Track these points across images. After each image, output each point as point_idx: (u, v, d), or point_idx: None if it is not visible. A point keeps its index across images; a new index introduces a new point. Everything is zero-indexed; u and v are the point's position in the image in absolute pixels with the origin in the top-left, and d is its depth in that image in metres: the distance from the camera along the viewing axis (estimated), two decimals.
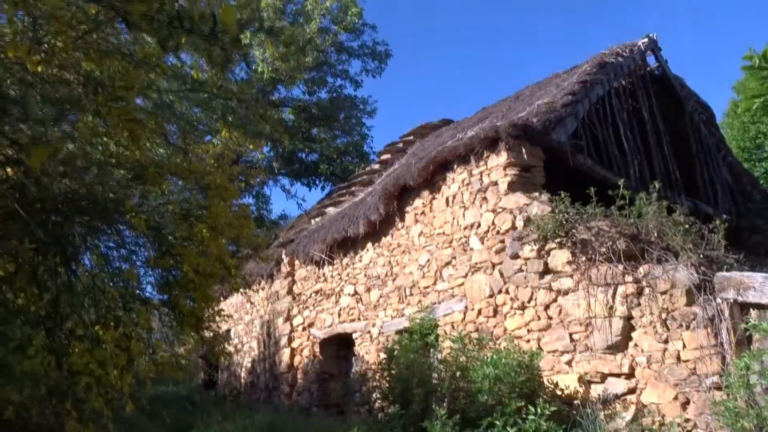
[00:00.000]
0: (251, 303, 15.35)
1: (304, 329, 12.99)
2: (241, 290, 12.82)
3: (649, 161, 11.96)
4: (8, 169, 4.00)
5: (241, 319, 16.12)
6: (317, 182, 23.59)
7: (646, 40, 12.66)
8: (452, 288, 9.30)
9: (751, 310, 5.88)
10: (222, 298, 15.49)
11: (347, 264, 12.00)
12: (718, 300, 6.02)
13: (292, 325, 13.37)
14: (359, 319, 11.36)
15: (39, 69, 3.01)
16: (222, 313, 6.83)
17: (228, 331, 16.06)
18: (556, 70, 13.57)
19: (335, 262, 12.31)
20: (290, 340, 13.32)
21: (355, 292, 11.62)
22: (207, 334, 5.88)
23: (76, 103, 3.54)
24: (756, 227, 13.42)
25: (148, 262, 5.20)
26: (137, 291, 5.28)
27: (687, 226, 7.09)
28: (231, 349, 15.32)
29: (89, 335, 4.46)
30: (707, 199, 13.30)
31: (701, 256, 6.72)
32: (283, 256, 13.89)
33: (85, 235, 4.86)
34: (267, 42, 18.57)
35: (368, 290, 11.27)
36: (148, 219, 4.66)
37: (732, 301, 5.94)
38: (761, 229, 13.35)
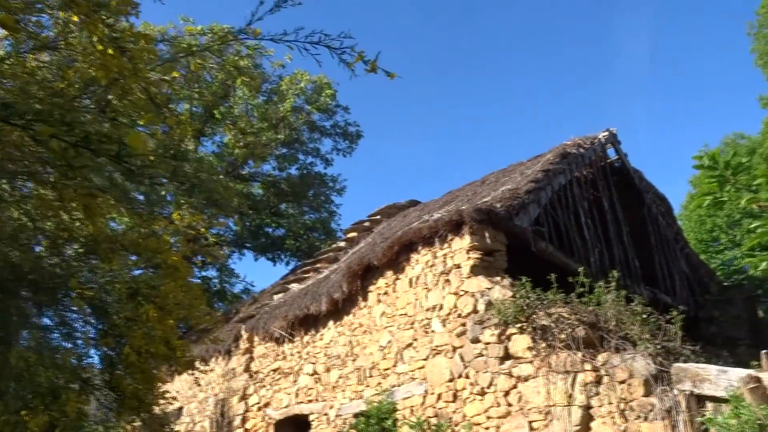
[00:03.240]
0: (198, 385, 14.74)
1: (259, 409, 12.54)
2: (188, 371, 12.39)
3: (609, 250, 12.21)
4: None
5: (195, 396, 15.50)
6: (282, 257, 23.47)
7: (607, 133, 13.20)
8: (412, 371, 9.15)
9: (707, 402, 5.89)
10: (177, 374, 14.93)
11: (308, 342, 11.77)
12: (675, 391, 6.02)
13: (247, 404, 12.90)
14: (317, 400, 11.04)
15: None
16: (167, 394, 6.56)
17: (180, 409, 15.39)
18: (520, 157, 14.04)
19: (296, 339, 12.07)
20: (244, 420, 12.81)
21: (314, 372, 11.34)
22: (149, 415, 5.63)
23: (32, 176, 3.52)
24: (713, 318, 13.64)
25: (89, 341, 5.03)
26: (77, 371, 5.07)
27: (645, 316, 7.18)
28: (180, 429, 14.63)
29: (13, 421, 4.22)
30: (666, 290, 13.54)
31: (659, 346, 6.78)
32: (243, 332, 13.57)
33: (25, 311, 4.69)
34: (240, 119, 18.91)
35: (328, 370, 11.01)
36: (94, 297, 4.53)
37: (688, 392, 5.94)
38: (718, 321, 13.57)
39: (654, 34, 52.56)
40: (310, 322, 11.78)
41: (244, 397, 13.00)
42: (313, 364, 11.44)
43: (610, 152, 13.50)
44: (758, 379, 5.06)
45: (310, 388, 11.33)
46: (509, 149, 61.23)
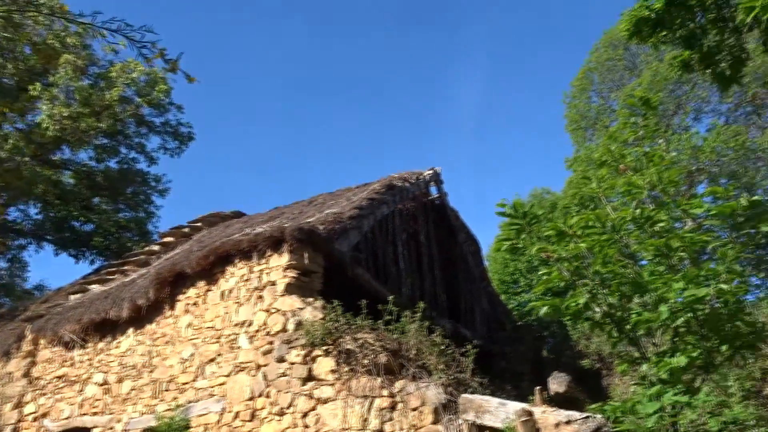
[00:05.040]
0: None
1: (35, 419, 11.32)
2: None
3: (421, 282, 12.83)
4: None
5: None
6: (87, 255, 21.62)
7: (431, 171, 13.97)
8: (212, 387, 8.83)
9: None
10: None
11: (102, 349, 10.90)
12: (460, 421, 6.41)
13: (21, 413, 11.59)
14: (104, 412, 10.22)
15: None
16: None
17: None
18: (352, 182, 14.34)
19: (88, 345, 11.11)
20: (16, 431, 11.48)
21: (105, 382, 10.51)
22: None
23: None
24: (504, 354, 14.83)
25: None
26: None
27: (443, 347, 7.59)
28: None
29: None
30: (467, 324, 14.48)
31: (451, 376, 7.20)
32: (27, 332, 12.23)
33: None
34: (60, 99, 17.28)
35: (120, 381, 10.27)
36: None
37: (471, 422, 6.35)
38: (509, 356, 14.77)
39: (484, 90, 56.96)
40: (107, 328, 10.93)
41: (19, 405, 11.66)
42: (105, 373, 10.60)
43: (433, 189, 14.29)
44: (530, 413, 5.55)
45: (97, 399, 10.46)
46: (343, 174, 62.41)
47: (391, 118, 62.67)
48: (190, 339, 9.56)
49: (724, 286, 4.25)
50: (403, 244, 12.33)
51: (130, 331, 10.60)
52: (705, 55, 8.75)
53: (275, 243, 9.03)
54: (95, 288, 13.19)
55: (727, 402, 9.26)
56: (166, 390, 9.46)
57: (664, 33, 8.70)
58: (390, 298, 7.94)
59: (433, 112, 62.58)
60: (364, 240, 10.86)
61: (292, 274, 8.75)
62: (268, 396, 8.06)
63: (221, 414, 8.47)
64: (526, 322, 17.40)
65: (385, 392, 7.02)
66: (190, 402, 8.96)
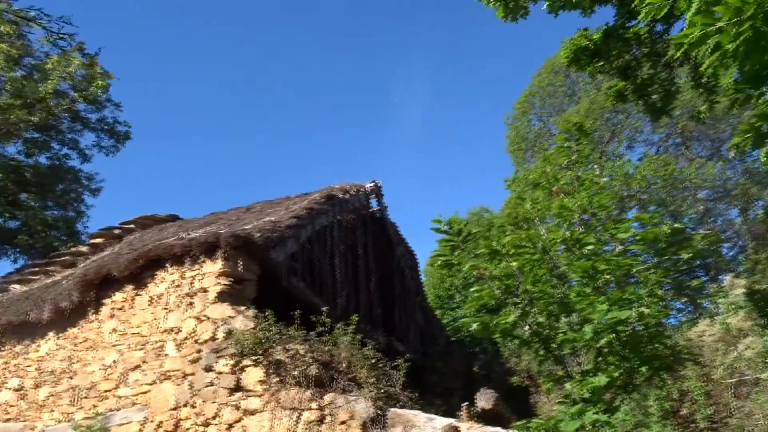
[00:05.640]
0: None
1: None
2: None
3: (357, 294, 12.80)
4: None
5: None
6: (10, 253, 20.58)
7: (372, 184, 14.00)
8: (135, 395, 8.53)
9: None
10: None
11: (19, 353, 10.38)
12: None
13: None
14: (17, 419, 9.70)
15: None
16: None
17: None
18: (292, 191, 14.21)
19: (4, 348, 10.56)
20: None
21: (21, 387, 10.00)
22: None
23: None
24: (436, 369, 14.93)
25: None
26: None
27: (375, 360, 7.57)
28: None
29: None
30: (401, 338, 14.52)
31: (382, 390, 7.18)
32: None
33: None
34: None
35: (37, 386, 9.79)
36: None
37: None
38: (440, 371, 14.88)
39: (429, 106, 57.76)
40: (26, 331, 10.42)
41: None
42: (22, 378, 10.09)
43: (373, 202, 14.33)
44: (456, 429, 5.60)
45: (11, 406, 9.94)
46: (284, 183, 61.90)
47: (335, 129, 62.73)
48: (114, 345, 9.22)
49: (645, 310, 4.39)
50: (340, 256, 12.28)
51: (51, 334, 10.14)
52: (639, 87, 9.13)
53: (209, 249, 8.83)
54: (16, 288, 12.57)
55: (645, 422, 9.58)
56: (86, 397, 9.07)
57: (601, 63, 9.03)
58: (324, 309, 7.88)
59: (378, 126, 63.02)
60: (301, 250, 10.75)
61: (225, 281, 8.57)
62: (193, 406, 7.84)
63: (143, 424, 8.18)
64: (459, 337, 17.59)
65: (314, 405, 6.94)
66: (110, 411, 8.62)
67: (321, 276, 11.43)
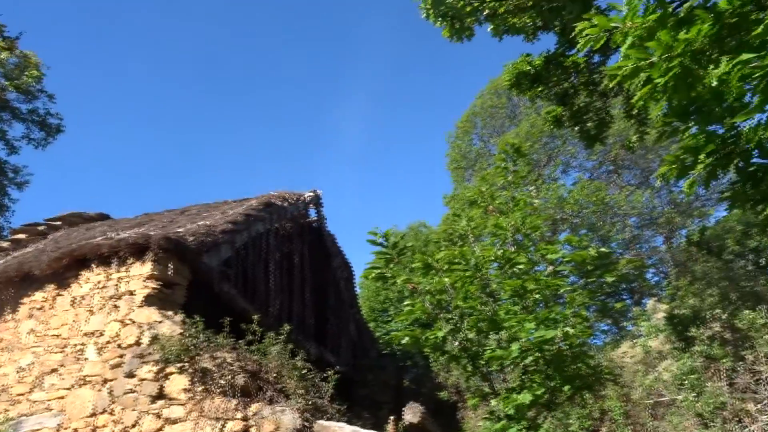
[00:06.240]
0: None
1: None
2: None
3: (290, 303, 12.65)
4: None
5: None
6: None
7: (312, 194, 13.91)
8: (51, 400, 8.14)
9: None
10: None
11: None
12: None
13: None
14: None
15: None
16: None
17: None
18: (229, 197, 13.93)
19: None
20: None
21: None
22: None
23: None
24: (366, 381, 14.90)
25: None
26: None
27: (304, 371, 7.48)
28: None
29: None
30: (333, 349, 14.43)
31: (309, 402, 7.10)
32: None
33: None
34: None
35: None
36: None
37: None
38: (370, 384, 14.86)
39: (372, 119, 58.14)
40: None
41: None
42: None
43: (312, 212, 14.24)
44: None
45: None
46: (223, 187, 60.82)
47: (277, 136, 62.18)
48: (31, 347, 8.79)
49: (569, 329, 4.51)
50: (275, 264, 12.12)
51: None
52: (575, 114, 9.44)
53: (139, 251, 8.56)
54: None
55: None
56: None
57: (541, 88, 9.30)
58: (255, 317, 7.74)
59: (321, 137, 62.90)
60: (236, 256, 10.56)
61: (153, 284, 8.32)
62: (111, 413, 7.54)
63: (57, 430, 7.80)
64: (391, 351, 17.63)
65: (239, 415, 6.79)
66: (22, 415, 8.19)
67: (255, 283, 11.24)
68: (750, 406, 9.32)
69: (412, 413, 7.86)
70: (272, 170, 59.56)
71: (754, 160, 3.63)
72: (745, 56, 3.16)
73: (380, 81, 60.77)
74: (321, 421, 6.59)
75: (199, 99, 57.49)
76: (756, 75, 3.12)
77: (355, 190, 62.25)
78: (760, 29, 3.01)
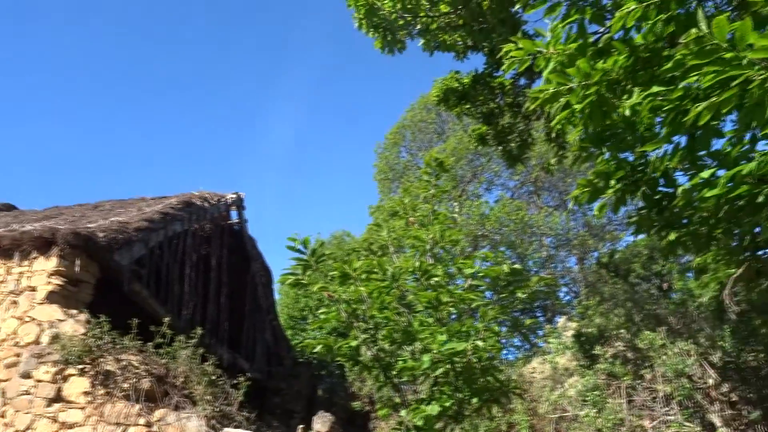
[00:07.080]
0: None
1: None
2: None
3: (205, 306, 12.31)
4: None
5: None
6: None
7: (235, 196, 13.63)
8: None
9: None
10: None
11: None
12: None
13: None
14: None
15: None
16: None
17: None
18: (147, 194, 13.44)
19: None
20: None
21: None
22: None
23: None
24: (280, 390, 14.66)
25: None
26: None
27: (214, 377, 7.29)
28: None
29: None
30: (247, 356, 14.13)
31: (217, 409, 6.92)
32: None
33: None
34: None
35: None
36: None
37: None
38: (284, 393, 14.63)
39: (302, 126, 57.87)
40: None
41: None
42: None
43: (234, 214, 13.93)
44: None
45: None
46: (142, 184, 58.82)
47: (203, 135, 60.69)
48: None
49: (480, 343, 4.60)
50: (191, 266, 11.77)
51: None
52: (499, 133, 9.70)
53: (44, 245, 8.13)
54: None
55: None
56: None
57: (468, 106, 9.51)
58: (166, 319, 7.49)
59: (249, 140, 61.86)
60: (150, 256, 10.19)
61: (57, 281, 7.91)
62: (3, 416, 7.09)
63: None
64: (306, 359, 17.45)
65: (141, 420, 6.54)
66: None
67: (169, 285, 10.88)
68: (646, 422, 9.78)
69: (321, 422, 7.81)
70: (197, 171, 58.07)
71: (660, 188, 3.82)
72: (655, 89, 3.33)
73: (312, 88, 60.56)
74: (228, 429, 6.43)
75: (127, 97, 55.39)
76: (665, 108, 3.29)
77: (281, 195, 61.54)
78: (670, 64, 3.18)
